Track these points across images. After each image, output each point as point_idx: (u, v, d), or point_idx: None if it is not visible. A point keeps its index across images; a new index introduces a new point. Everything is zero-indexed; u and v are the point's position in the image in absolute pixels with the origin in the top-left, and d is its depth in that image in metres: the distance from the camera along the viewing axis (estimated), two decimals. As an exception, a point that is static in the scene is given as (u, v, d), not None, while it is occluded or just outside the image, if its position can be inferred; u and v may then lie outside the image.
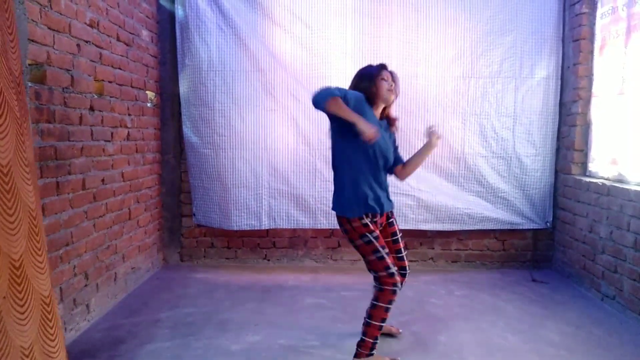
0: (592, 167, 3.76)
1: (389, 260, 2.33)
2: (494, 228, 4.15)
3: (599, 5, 3.66)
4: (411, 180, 3.57)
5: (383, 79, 2.37)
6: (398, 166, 2.58)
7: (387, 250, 2.36)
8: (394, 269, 2.33)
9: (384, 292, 2.34)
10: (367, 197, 2.35)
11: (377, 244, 2.33)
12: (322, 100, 2.18)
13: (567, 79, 3.96)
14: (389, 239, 2.54)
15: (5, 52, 1.50)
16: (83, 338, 2.74)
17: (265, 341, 2.72)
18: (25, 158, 1.57)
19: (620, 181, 3.35)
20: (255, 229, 4.11)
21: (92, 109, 2.93)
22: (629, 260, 3.10)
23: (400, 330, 2.82)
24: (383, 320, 2.37)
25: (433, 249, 4.29)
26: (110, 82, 3.16)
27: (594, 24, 3.71)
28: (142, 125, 3.70)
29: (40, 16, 2.40)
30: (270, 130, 4.02)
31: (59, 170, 2.59)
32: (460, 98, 4.01)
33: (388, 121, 2.52)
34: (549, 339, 2.79)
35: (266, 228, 4.13)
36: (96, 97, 2.98)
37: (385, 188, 2.49)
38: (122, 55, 3.34)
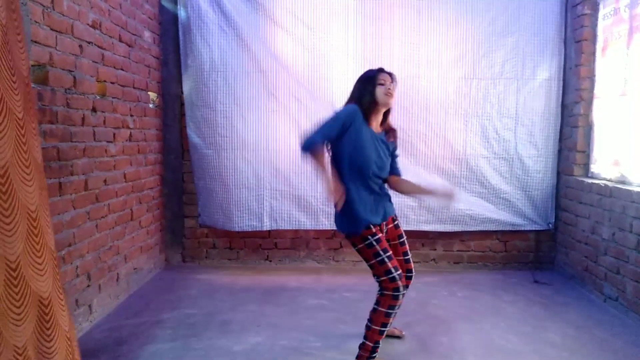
0: (594, 168, 3.75)
1: (390, 264, 2.29)
2: (496, 229, 4.15)
3: (601, 6, 3.66)
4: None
5: (380, 83, 2.35)
6: (393, 177, 2.55)
7: (389, 253, 2.32)
8: (395, 274, 2.28)
9: (384, 297, 2.32)
10: (367, 212, 2.33)
11: (377, 247, 2.30)
12: (304, 150, 2.22)
13: (569, 80, 3.96)
14: (396, 242, 2.54)
15: (8, 52, 1.51)
16: (85, 339, 2.74)
17: (267, 342, 2.72)
18: (26, 159, 1.57)
19: (623, 182, 3.35)
20: (257, 230, 4.11)
21: (94, 109, 2.94)
22: (631, 261, 3.10)
23: (404, 332, 2.81)
24: (384, 325, 2.33)
25: (435, 250, 4.29)
26: (112, 83, 3.17)
27: (596, 25, 3.71)
28: (144, 126, 3.71)
29: (43, 17, 2.41)
30: (272, 131, 4.02)
31: (62, 171, 2.60)
32: (462, 99, 4.01)
33: (387, 131, 2.49)
34: (551, 340, 2.78)
35: (268, 229, 4.13)
36: (99, 98, 2.99)
37: (385, 193, 2.49)
38: (124, 56, 3.34)
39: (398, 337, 2.78)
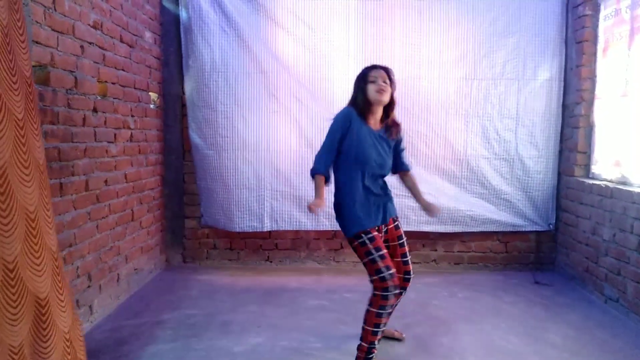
0: (595, 169, 3.75)
1: (381, 264, 2.27)
2: (497, 230, 4.15)
3: (602, 7, 3.65)
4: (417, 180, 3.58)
5: (371, 81, 2.36)
6: (401, 172, 2.62)
7: (382, 252, 2.30)
8: (385, 273, 2.26)
9: (375, 297, 2.31)
10: (365, 216, 2.35)
11: (370, 246, 2.30)
12: (312, 175, 2.40)
13: (570, 81, 3.96)
14: (396, 243, 2.53)
15: (8, 52, 1.51)
16: (86, 339, 2.72)
17: (268, 343, 2.72)
18: (26, 160, 1.57)
19: (624, 183, 3.34)
20: (258, 230, 4.11)
21: (95, 110, 2.94)
22: (632, 262, 3.09)
23: (404, 335, 2.79)
24: (376, 325, 2.32)
25: (436, 250, 4.28)
26: (113, 83, 3.17)
27: (597, 26, 3.71)
28: (145, 126, 3.71)
29: (45, 18, 2.41)
30: (273, 131, 4.02)
31: (63, 171, 2.60)
32: (462, 100, 4.01)
33: (389, 127, 2.47)
34: (551, 341, 2.78)
35: (268, 230, 4.13)
36: (100, 98, 2.99)
37: (387, 194, 2.49)
38: (125, 57, 3.35)
39: (398, 340, 2.76)
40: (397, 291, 2.32)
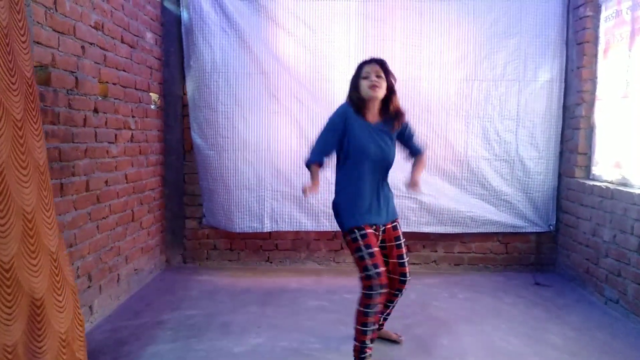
0: (595, 170, 3.75)
1: (369, 261, 2.26)
2: (497, 231, 4.15)
3: (603, 8, 3.66)
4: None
5: (364, 77, 2.38)
6: (417, 157, 2.61)
7: (371, 250, 2.28)
8: (372, 271, 2.25)
9: (361, 295, 2.33)
10: (362, 210, 2.37)
11: (361, 242, 2.30)
12: (306, 166, 2.50)
13: (571, 82, 3.95)
14: (392, 243, 2.52)
15: (8, 53, 1.51)
16: (86, 339, 2.74)
17: (268, 344, 2.72)
18: (24, 160, 1.57)
19: (624, 184, 3.34)
20: (258, 231, 4.11)
21: (96, 110, 2.94)
22: (632, 263, 3.09)
23: (402, 337, 2.76)
24: (364, 324, 2.32)
25: (436, 251, 4.28)
26: (114, 84, 3.18)
27: (598, 27, 3.71)
28: (145, 127, 3.71)
29: (46, 18, 2.41)
30: (273, 132, 4.03)
31: (63, 171, 2.60)
32: (463, 101, 4.01)
33: (392, 118, 2.44)
34: (552, 342, 2.78)
35: (268, 230, 4.13)
36: (100, 99, 2.99)
37: (388, 194, 2.49)
38: (126, 58, 3.35)
39: (395, 342, 2.73)
40: (383, 291, 2.28)
